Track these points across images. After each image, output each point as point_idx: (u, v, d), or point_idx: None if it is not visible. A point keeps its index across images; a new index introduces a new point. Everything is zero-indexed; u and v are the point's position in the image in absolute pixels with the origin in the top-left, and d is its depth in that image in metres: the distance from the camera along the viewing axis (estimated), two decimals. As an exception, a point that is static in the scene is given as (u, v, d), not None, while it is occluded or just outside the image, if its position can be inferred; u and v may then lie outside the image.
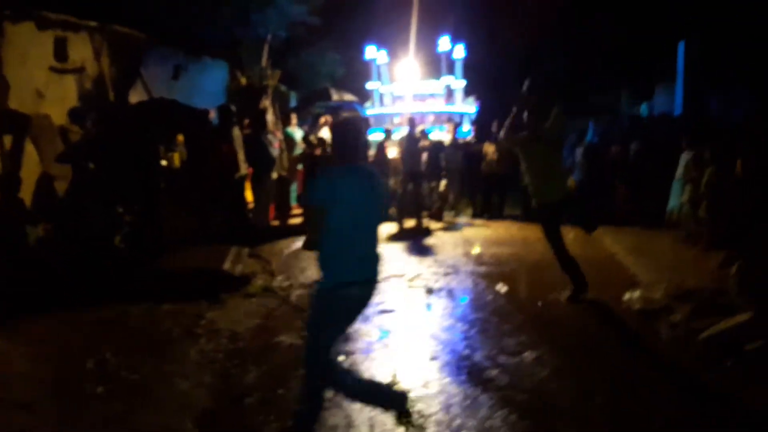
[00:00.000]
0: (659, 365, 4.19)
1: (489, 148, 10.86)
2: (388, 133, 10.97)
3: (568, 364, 4.12)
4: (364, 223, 3.04)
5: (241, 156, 7.97)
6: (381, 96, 13.95)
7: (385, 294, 5.86)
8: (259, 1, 11.54)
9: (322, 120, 11.59)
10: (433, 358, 4.28)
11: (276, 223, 9.40)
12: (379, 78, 13.90)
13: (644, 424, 3.38)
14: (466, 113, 14.06)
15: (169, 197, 7.26)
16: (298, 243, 7.78)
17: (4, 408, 3.36)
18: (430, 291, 6.04)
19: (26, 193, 6.34)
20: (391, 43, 14.31)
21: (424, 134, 10.67)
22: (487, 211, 11.02)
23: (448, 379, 3.90)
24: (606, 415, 3.46)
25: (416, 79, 13.97)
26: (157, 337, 4.61)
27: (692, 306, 5.01)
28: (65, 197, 6.45)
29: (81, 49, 8.40)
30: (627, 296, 5.56)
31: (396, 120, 13.18)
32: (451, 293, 5.99)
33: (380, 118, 13.47)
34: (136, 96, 9.22)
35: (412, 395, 3.62)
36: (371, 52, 13.75)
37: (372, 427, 3.30)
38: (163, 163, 7.94)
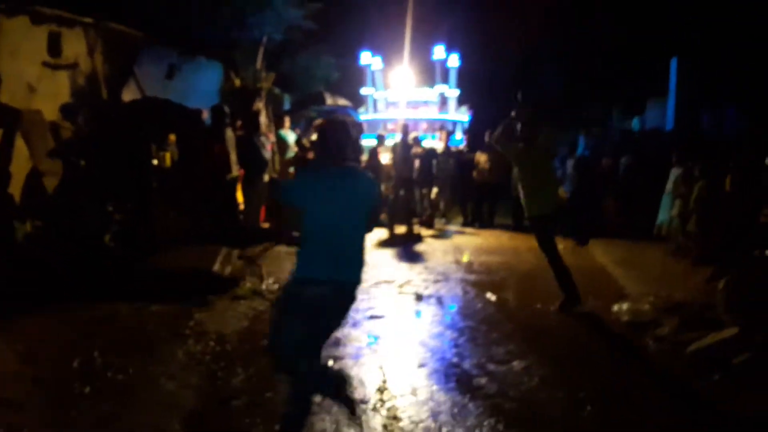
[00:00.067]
0: (648, 376, 4.21)
1: (481, 157, 10.91)
2: (380, 139, 10.99)
3: (557, 374, 4.12)
4: (341, 223, 2.98)
5: (233, 157, 7.94)
6: (375, 102, 13.98)
7: (374, 300, 5.86)
8: (255, 3, 11.53)
9: (316, 123, 11.57)
10: (422, 365, 4.27)
11: (266, 225, 9.36)
12: (373, 84, 13.95)
13: (633, 434, 3.39)
14: (459, 121, 14.13)
15: (161, 197, 7.20)
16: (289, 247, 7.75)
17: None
18: (419, 298, 6.03)
19: (15, 189, 6.27)
20: (386, 49, 14.38)
21: (417, 141, 10.71)
22: (478, 219, 11.06)
23: (436, 387, 3.89)
24: (595, 425, 3.46)
25: (410, 86, 14.03)
26: (145, 337, 4.57)
27: (680, 319, 5.05)
28: (55, 194, 6.38)
29: (75, 45, 8.35)
30: (616, 308, 5.59)
31: (389, 126, 13.22)
32: (440, 300, 5.99)
33: (373, 123, 13.51)
34: (129, 94, 9.17)
35: (400, 402, 3.62)
36: (366, 58, 13.80)
37: (360, 432, 3.29)
38: (154, 162, 7.88)
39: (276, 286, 6.13)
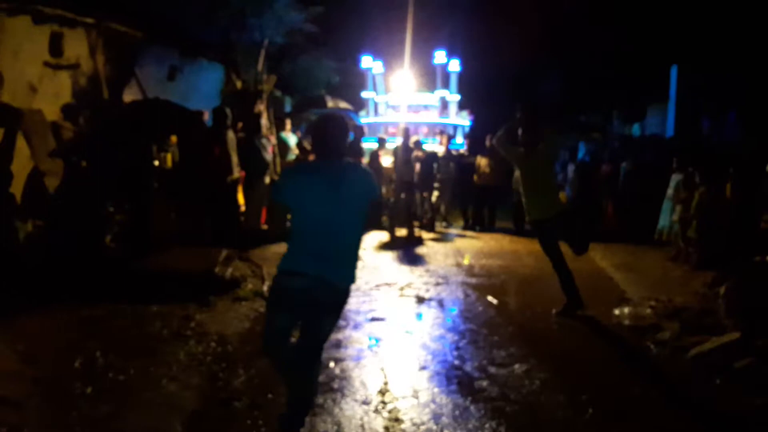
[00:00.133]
0: (649, 380, 4.20)
1: (482, 161, 10.92)
2: (381, 142, 11.00)
3: (558, 377, 4.12)
4: (331, 219, 2.89)
5: (234, 159, 7.93)
6: (376, 105, 14.01)
7: (376, 302, 5.86)
8: (256, 6, 11.56)
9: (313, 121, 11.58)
10: (424, 368, 4.27)
11: (267, 227, 9.35)
12: (374, 87, 13.98)
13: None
14: (459, 125, 14.16)
15: (162, 198, 7.20)
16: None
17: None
18: (421, 300, 6.03)
19: (16, 189, 6.26)
20: (387, 53, 14.42)
21: (418, 145, 10.72)
22: (479, 222, 11.07)
23: (438, 389, 3.88)
24: (596, 428, 3.46)
25: (411, 90, 14.07)
26: (146, 337, 4.55)
27: (681, 324, 5.05)
28: (56, 195, 6.37)
29: (76, 46, 8.36)
30: (616, 312, 5.59)
31: (390, 129, 13.24)
32: (441, 303, 5.98)
33: (374, 127, 13.53)
34: (130, 95, 9.18)
35: (402, 404, 3.62)
36: (367, 62, 13.83)
37: (362, 434, 3.28)
38: (156, 163, 7.88)
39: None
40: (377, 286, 6.47)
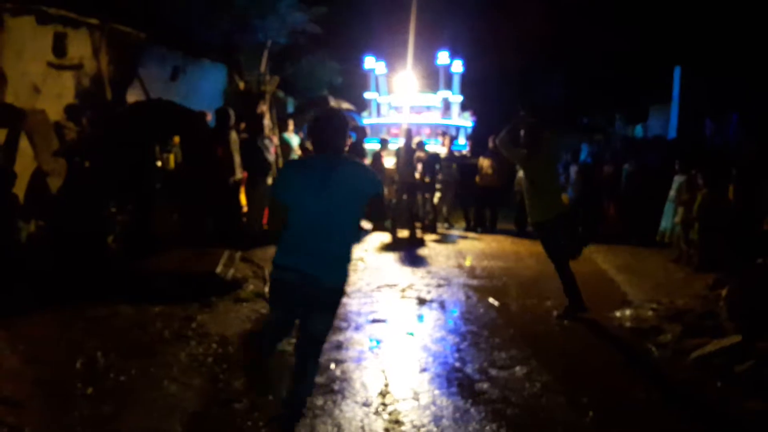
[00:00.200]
0: (650, 383, 4.19)
1: (484, 162, 10.91)
2: (384, 143, 11.01)
3: (559, 379, 4.11)
4: (326, 215, 2.84)
5: (237, 160, 7.94)
6: (378, 106, 14.00)
7: (377, 303, 5.86)
8: (260, 7, 11.57)
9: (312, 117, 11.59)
10: (424, 369, 4.27)
11: (267, 227, 9.36)
12: (377, 88, 13.97)
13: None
14: (462, 127, 14.15)
15: (164, 198, 7.21)
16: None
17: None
18: (422, 302, 6.03)
19: (19, 189, 6.28)
20: (390, 54, 14.42)
21: (421, 146, 10.72)
22: (480, 224, 11.06)
23: (438, 391, 3.89)
24: (598, 431, 3.45)
25: (414, 91, 14.06)
26: (147, 338, 4.56)
27: (683, 326, 5.05)
28: (59, 195, 6.38)
29: (80, 46, 8.37)
30: (618, 314, 5.59)
31: (392, 130, 13.24)
32: (443, 305, 5.98)
33: (377, 127, 13.53)
34: (133, 96, 9.19)
35: (402, 406, 3.62)
36: (370, 63, 13.83)
37: (362, 436, 3.28)
38: (158, 163, 7.89)
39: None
40: (379, 287, 6.47)
